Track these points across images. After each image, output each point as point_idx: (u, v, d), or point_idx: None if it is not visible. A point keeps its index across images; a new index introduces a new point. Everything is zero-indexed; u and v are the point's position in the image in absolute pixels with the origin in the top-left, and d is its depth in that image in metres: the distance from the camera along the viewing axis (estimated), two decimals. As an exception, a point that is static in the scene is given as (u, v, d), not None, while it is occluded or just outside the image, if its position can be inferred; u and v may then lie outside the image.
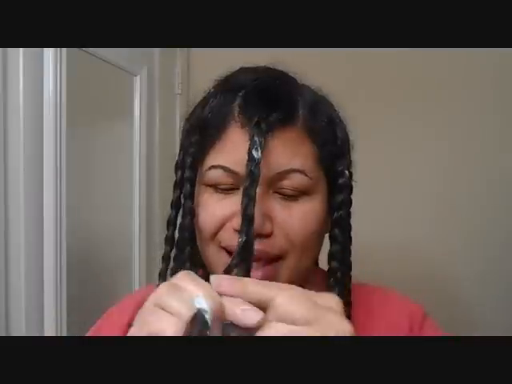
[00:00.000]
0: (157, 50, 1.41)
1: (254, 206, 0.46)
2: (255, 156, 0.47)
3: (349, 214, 0.57)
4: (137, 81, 1.33)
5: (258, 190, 0.48)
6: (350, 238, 0.58)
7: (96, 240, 1.19)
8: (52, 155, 0.95)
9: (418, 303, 0.62)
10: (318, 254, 0.59)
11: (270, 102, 0.51)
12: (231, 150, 0.51)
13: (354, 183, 0.57)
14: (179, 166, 0.57)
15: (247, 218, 0.46)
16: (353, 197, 0.58)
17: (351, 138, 0.58)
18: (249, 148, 0.48)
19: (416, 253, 1.44)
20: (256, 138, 0.47)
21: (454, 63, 1.41)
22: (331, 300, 0.39)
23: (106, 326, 0.61)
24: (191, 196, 0.54)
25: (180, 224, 0.56)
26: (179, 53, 1.52)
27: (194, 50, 1.54)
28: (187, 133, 0.56)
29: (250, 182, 0.47)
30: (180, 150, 0.57)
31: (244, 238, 0.46)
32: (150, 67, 1.38)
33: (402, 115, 1.45)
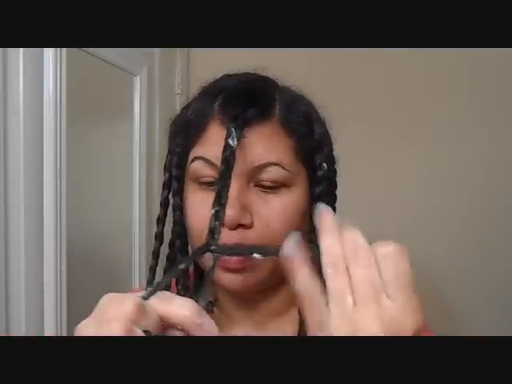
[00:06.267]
0: (157, 49, 1.41)
1: (228, 191, 0.48)
2: (231, 144, 0.49)
3: (332, 208, 0.58)
4: (137, 81, 1.33)
5: (238, 183, 0.51)
6: None
7: (96, 240, 1.19)
8: (52, 155, 0.95)
9: None
10: None
11: (247, 99, 0.54)
12: (211, 144, 0.54)
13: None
14: (167, 167, 0.60)
15: (220, 199, 0.47)
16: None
17: (330, 133, 0.60)
18: (225, 138, 0.50)
19: (416, 253, 1.44)
20: (232, 129, 0.50)
21: (454, 63, 1.41)
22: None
23: None
24: (179, 193, 0.58)
25: (173, 219, 0.59)
26: (179, 53, 1.52)
27: (194, 50, 1.54)
28: (173, 135, 0.61)
29: (224, 168, 0.48)
30: (167, 152, 0.61)
31: (215, 216, 0.46)
32: (150, 67, 1.38)
33: (403, 115, 1.45)
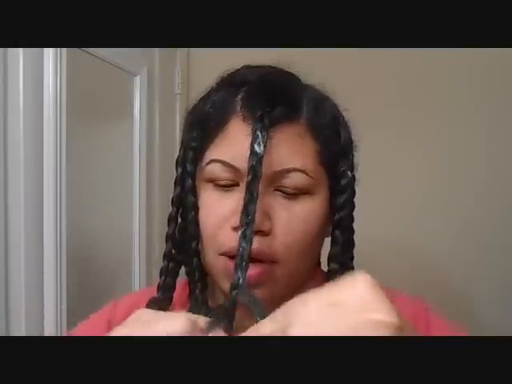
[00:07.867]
0: (157, 50, 1.41)
1: (255, 203, 0.44)
2: (257, 151, 0.45)
3: (351, 218, 0.55)
4: (137, 81, 1.33)
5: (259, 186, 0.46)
6: (353, 241, 0.57)
7: (96, 240, 1.19)
8: (52, 155, 0.95)
9: (419, 301, 0.60)
10: (318, 256, 0.58)
11: (273, 96, 0.50)
12: (231, 144, 0.50)
13: (357, 184, 0.56)
14: (180, 162, 0.55)
15: (248, 215, 0.44)
16: (356, 198, 0.57)
17: (354, 139, 0.57)
18: (251, 143, 0.46)
19: (418, 254, 1.44)
20: (258, 133, 0.46)
21: (455, 63, 1.41)
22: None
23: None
24: (193, 191, 0.53)
25: (185, 219, 0.54)
26: (179, 53, 1.52)
27: (194, 50, 1.54)
28: (189, 127, 0.55)
29: (251, 178, 0.45)
30: (181, 146, 0.56)
31: (243, 235, 0.43)
32: (150, 67, 1.38)
33: (403, 115, 1.45)
